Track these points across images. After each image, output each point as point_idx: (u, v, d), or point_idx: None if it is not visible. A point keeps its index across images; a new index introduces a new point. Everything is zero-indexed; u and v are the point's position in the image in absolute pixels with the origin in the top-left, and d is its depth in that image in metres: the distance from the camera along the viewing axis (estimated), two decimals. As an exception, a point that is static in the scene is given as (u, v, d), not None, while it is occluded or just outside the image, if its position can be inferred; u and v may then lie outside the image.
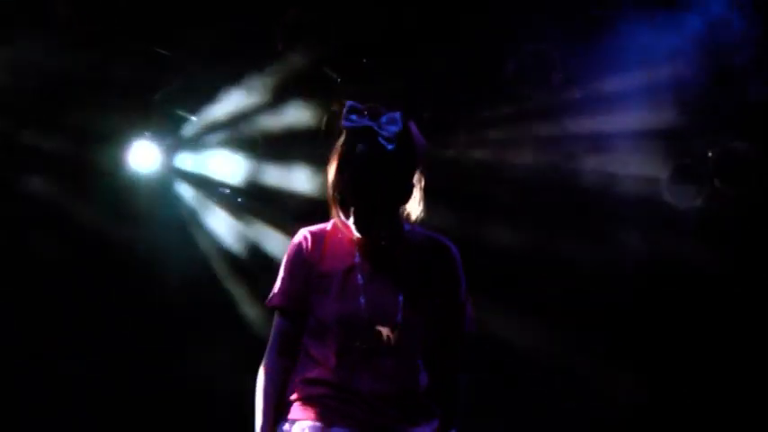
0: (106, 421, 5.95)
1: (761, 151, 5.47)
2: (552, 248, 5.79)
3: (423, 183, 2.91)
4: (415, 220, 2.94)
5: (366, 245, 2.87)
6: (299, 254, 2.89)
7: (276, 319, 2.91)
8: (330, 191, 2.86)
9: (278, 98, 5.64)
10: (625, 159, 5.57)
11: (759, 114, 5.36)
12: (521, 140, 5.61)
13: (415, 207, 2.92)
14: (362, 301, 2.80)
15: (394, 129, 2.80)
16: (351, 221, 2.83)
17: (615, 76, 5.23)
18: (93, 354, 5.93)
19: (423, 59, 5.32)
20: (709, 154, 5.60)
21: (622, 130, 5.42)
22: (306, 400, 2.78)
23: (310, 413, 2.76)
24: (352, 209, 2.82)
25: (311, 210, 5.46)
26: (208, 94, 5.72)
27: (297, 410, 2.78)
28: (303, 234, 2.93)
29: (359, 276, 2.83)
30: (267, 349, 2.89)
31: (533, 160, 5.63)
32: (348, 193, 2.81)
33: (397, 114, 2.83)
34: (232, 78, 5.61)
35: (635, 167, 5.59)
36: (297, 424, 2.76)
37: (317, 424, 2.74)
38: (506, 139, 5.61)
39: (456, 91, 5.52)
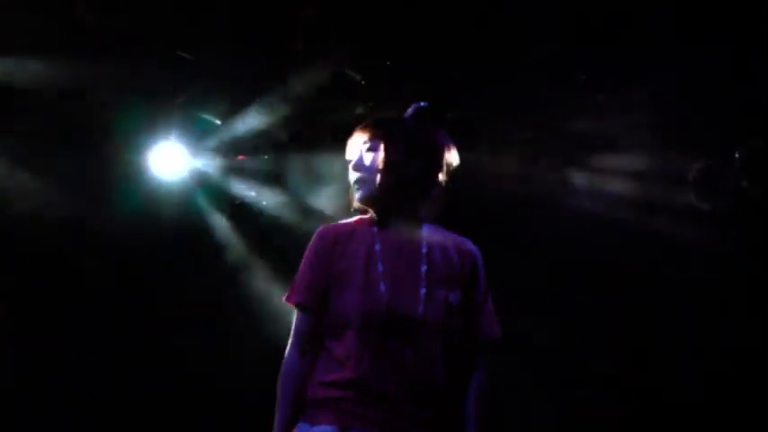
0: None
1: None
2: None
3: (446, 181, 2.91)
4: (437, 219, 2.95)
5: (387, 236, 2.87)
6: (319, 250, 2.90)
7: (296, 316, 2.91)
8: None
9: (302, 101, 5.64)
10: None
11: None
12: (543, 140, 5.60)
13: (436, 205, 2.92)
14: (383, 287, 2.79)
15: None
16: (372, 214, 2.90)
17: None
18: (113, 356, 5.95)
19: (446, 60, 5.31)
20: (737, 155, 5.55)
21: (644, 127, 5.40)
22: (324, 403, 2.78)
23: (328, 416, 2.76)
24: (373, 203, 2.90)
25: (336, 211, 5.48)
26: (231, 98, 5.73)
27: (315, 412, 2.79)
28: (324, 230, 2.95)
29: (379, 265, 2.83)
30: (288, 347, 2.89)
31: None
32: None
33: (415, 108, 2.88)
34: (255, 82, 5.62)
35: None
36: (315, 427, 2.76)
37: (335, 427, 2.74)
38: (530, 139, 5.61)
39: (480, 91, 5.50)
